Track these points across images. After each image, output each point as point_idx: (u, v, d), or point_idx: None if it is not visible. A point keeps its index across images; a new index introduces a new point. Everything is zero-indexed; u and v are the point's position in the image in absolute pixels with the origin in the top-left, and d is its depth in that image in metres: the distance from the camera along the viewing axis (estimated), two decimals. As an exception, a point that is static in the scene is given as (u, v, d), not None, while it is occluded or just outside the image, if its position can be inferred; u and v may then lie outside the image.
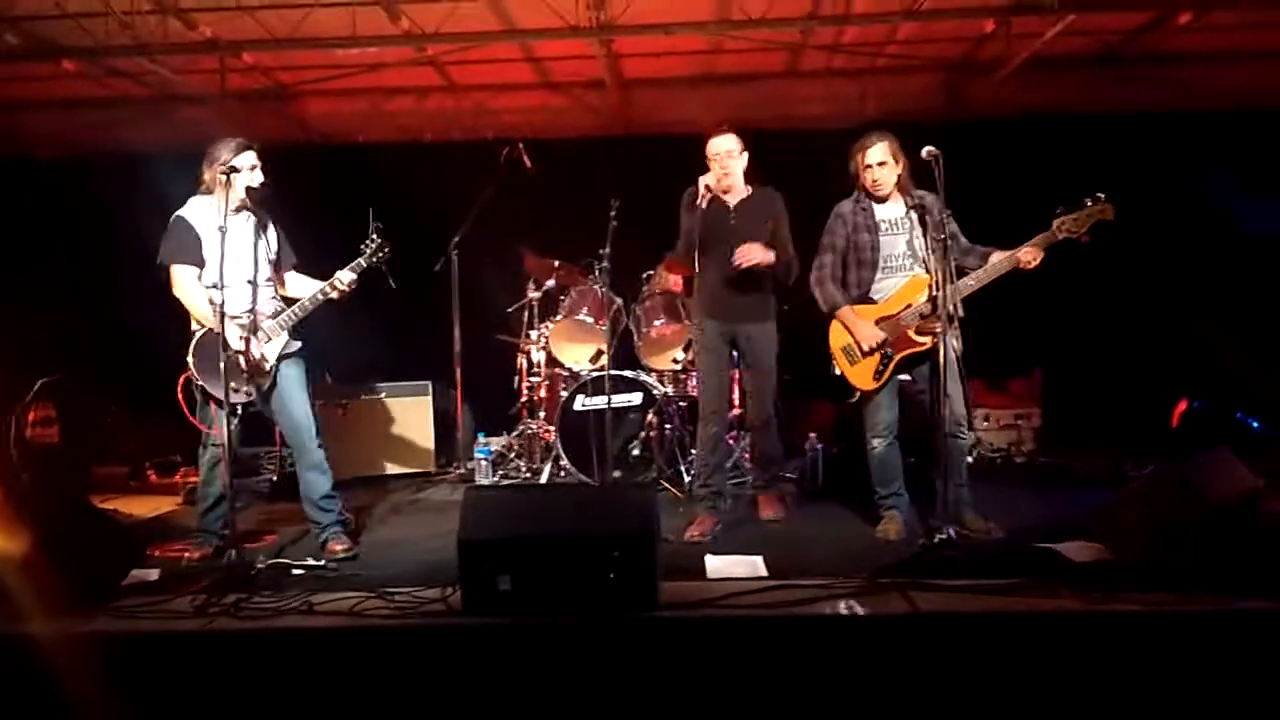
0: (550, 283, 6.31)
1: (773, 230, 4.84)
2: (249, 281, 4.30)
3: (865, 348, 4.51)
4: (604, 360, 5.60)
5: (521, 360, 6.50)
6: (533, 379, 6.40)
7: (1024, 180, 6.12)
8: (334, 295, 4.44)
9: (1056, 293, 6.05)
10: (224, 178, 4.20)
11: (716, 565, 4.11)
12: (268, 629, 3.45)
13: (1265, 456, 5.16)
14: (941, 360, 4.17)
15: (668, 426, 5.81)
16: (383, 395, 6.57)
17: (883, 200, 4.58)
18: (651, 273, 6.28)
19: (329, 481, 4.54)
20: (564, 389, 5.94)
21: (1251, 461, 3.95)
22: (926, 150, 4.14)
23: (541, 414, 6.25)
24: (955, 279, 4.32)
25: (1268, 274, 6.74)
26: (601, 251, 5.04)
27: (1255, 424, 6.17)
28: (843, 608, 3.48)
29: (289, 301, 4.50)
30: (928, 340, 4.39)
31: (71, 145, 7.45)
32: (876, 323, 4.51)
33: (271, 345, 4.40)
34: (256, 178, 4.39)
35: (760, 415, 5.02)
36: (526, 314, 6.44)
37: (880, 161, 4.50)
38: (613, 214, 4.86)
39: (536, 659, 3.29)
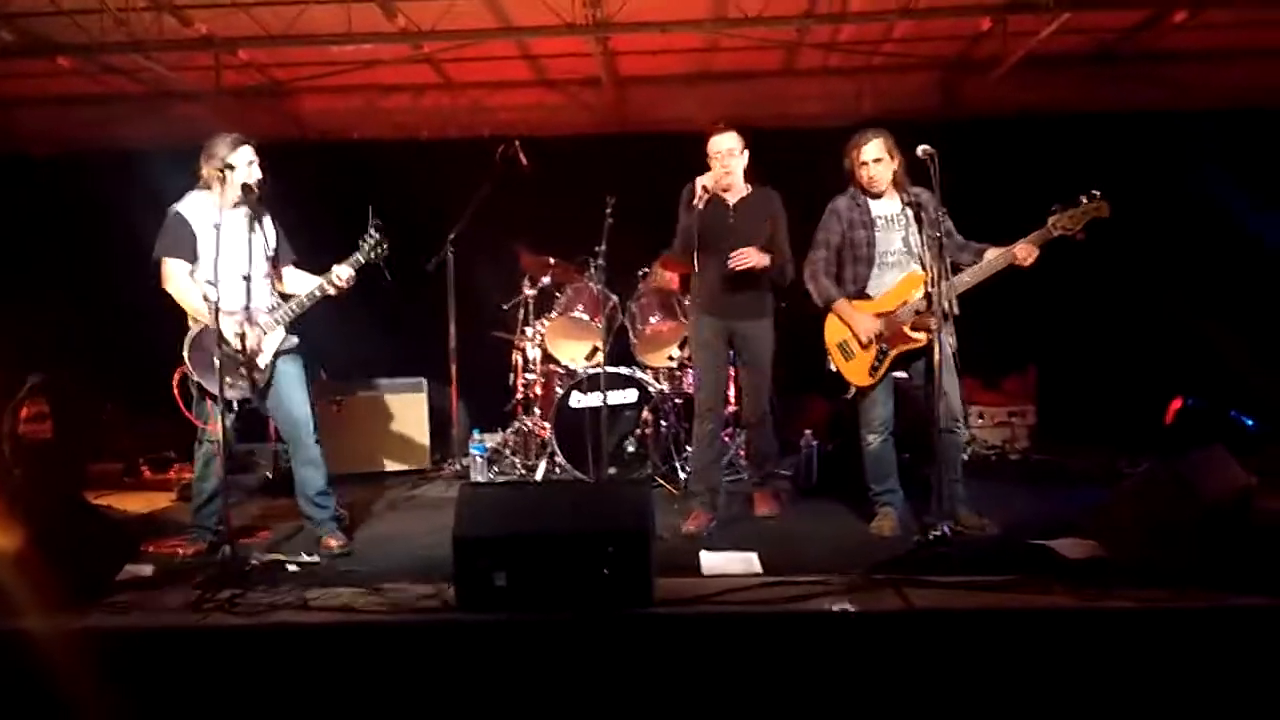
0: (546, 280, 6.31)
1: (770, 231, 4.85)
2: (244, 277, 4.29)
3: (863, 339, 4.52)
4: (599, 357, 5.60)
5: (517, 357, 6.50)
6: (528, 376, 6.39)
7: (1020, 178, 6.13)
8: (331, 291, 4.43)
9: (1051, 290, 6.06)
10: (220, 174, 4.20)
11: (711, 562, 4.11)
12: (262, 624, 3.45)
13: (1259, 454, 5.18)
14: (937, 356, 4.18)
15: (663, 423, 5.81)
16: (378, 391, 6.57)
17: (878, 196, 4.59)
18: (647, 270, 6.28)
19: (324, 478, 4.54)
20: (559, 386, 5.94)
21: (1245, 459, 3.97)
22: (922, 149, 4.15)
23: (537, 411, 6.25)
24: (950, 276, 4.33)
25: (1263, 273, 6.74)
26: (597, 249, 5.04)
27: (1249, 422, 6.19)
28: (836, 604, 3.49)
29: (286, 298, 4.49)
30: (923, 336, 4.39)
31: (66, 142, 7.45)
32: (872, 318, 4.52)
33: (268, 341, 4.40)
34: (254, 173, 4.38)
35: (756, 412, 5.03)
36: (522, 311, 6.44)
37: (876, 158, 4.51)
38: (608, 211, 4.86)
39: (531, 655, 3.29)
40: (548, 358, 6.22)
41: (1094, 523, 4.06)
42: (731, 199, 4.85)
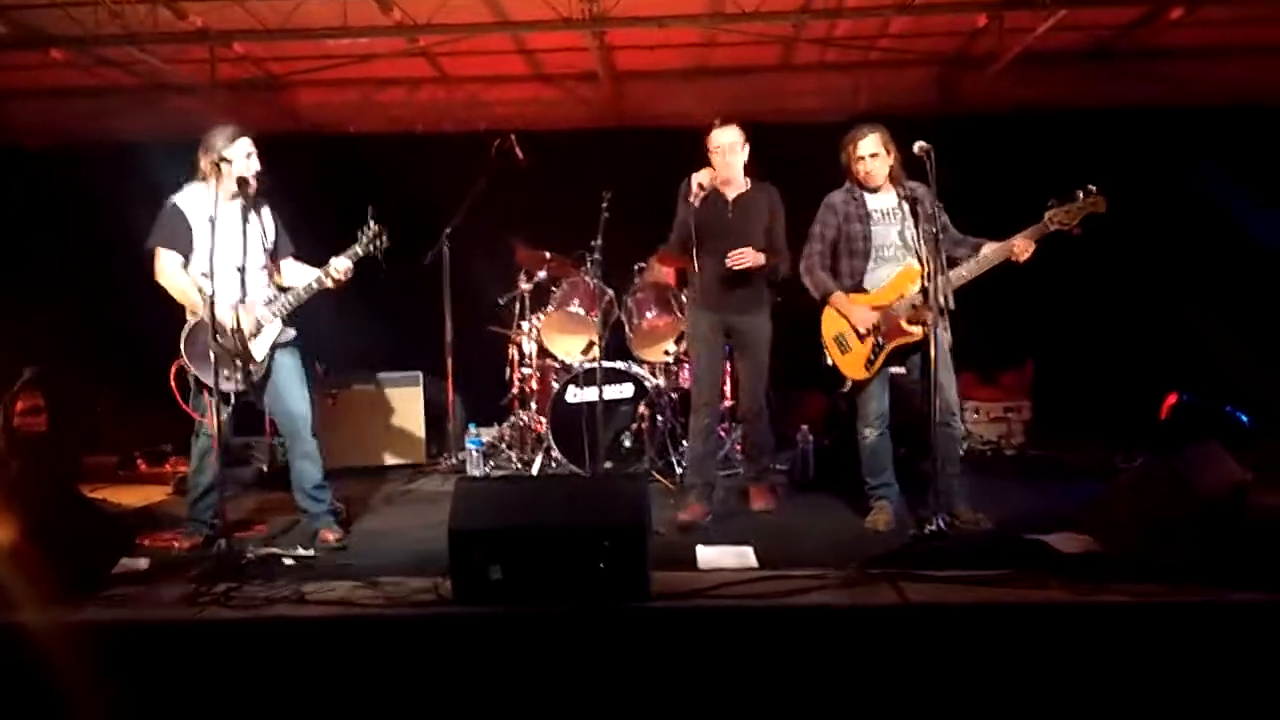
0: (542, 274, 6.30)
1: (769, 227, 4.85)
2: (238, 269, 4.28)
3: (861, 330, 4.52)
4: (595, 352, 5.60)
5: (513, 351, 6.49)
6: (524, 370, 6.39)
7: (1016, 174, 6.12)
8: (329, 283, 4.41)
9: (1047, 285, 6.06)
10: (215, 167, 4.18)
11: (707, 556, 4.11)
12: (258, 618, 3.44)
13: (1254, 449, 5.17)
14: (933, 351, 4.19)
15: (659, 418, 5.82)
16: (374, 385, 6.56)
17: (875, 191, 4.59)
18: (643, 265, 6.27)
19: (320, 471, 4.53)
20: (555, 380, 5.94)
21: (1240, 454, 3.96)
22: (918, 146, 4.16)
23: (533, 405, 6.25)
24: (947, 270, 4.33)
25: (1259, 269, 6.75)
26: (593, 243, 5.03)
27: (1244, 417, 6.19)
28: (836, 597, 3.49)
29: (285, 290, 4.47)
30: (919, 330, 4.40)
31: (60, 134, 7.41)
32: (869, 310, 4.53)
33: (265, 333, 4.38)
34: (253, 166, 4.37)
35: (752, 407, 5.03)
36: (518, 305, 6.43)
37: (872, 153, 4.51)
38: (605, 206, 4.86)
39: (527, 649, 3.29)
40: (544, 352, 6.22)
41: (1090, 518, 4.07)
42: (731, 194, 4.85)
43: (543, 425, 5.95)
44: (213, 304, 4.06)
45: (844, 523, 4.78)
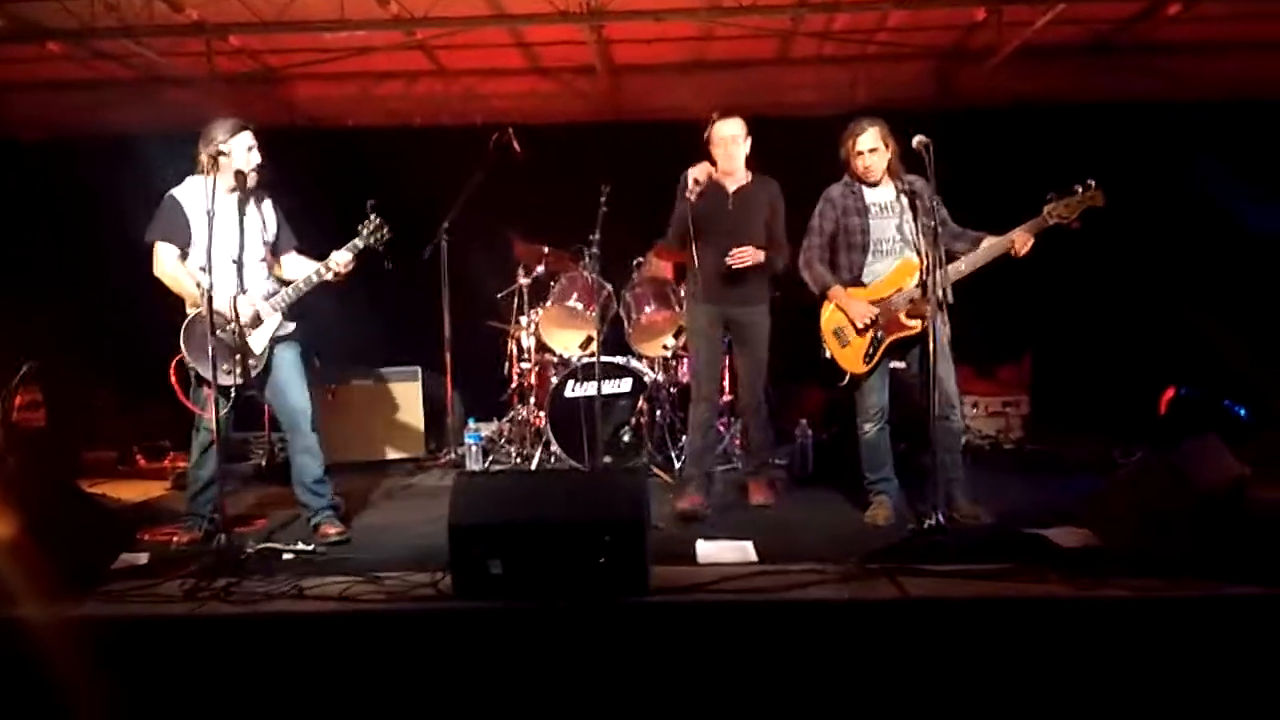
0: (540, 268, 6.30)
1: (769, 220, 4.85)
2: (234, 261, 4.27)
3: (859, 324, 4.52)
4: (594, 346, 5.59)
5: (511, 346, 6.49)
6: (523, 365, 6.39)
7: (1014, 168, 6.12)
8: (329, 276, 4.40)
9: (1046, 279, 6.07)
10: (213, 160, 4.16)
11: (707, 551, 4.12)
12: (257, 613, 3.44)
13: (1252, 443, 5.20)
14: (931, 344, 4.19)
15: (658, 413, 5.82)
16: (372, 380, 6.56)
17: (874, 185, 4.58)
18: (642, 259, 6.27)
19: (321, 466, 4.53)
20: (554, 375, 5.93)
21: (1239, 449, 3.97)
22: (917, 140, 4.15)
23: (532, 400, 6.25)
24: (945, 264, 4.33)
25: (1258, 263, 6.76)
26: (591, 237, 5.03)
27: (1242, 411, 6.21)
28: (836, 591, 3.50)
29: (287, 284, 4.46)
30: (918, 324, 4.40)
31: (57, 127, 7.40)
32: (867, 304, 4.53)
33: (264, 327, 4.37)
34: (254, 159, 4.35)
35: (751, 401, 5.03)
36: (516, 300, 6.42)
37: (872, 148, 4.50)
38: (602, 200, 4.85)
39: (527, 643, 3.29)
40: (542, 347, 6.22)
41: (1088, 512, 4.06)
42: (731, 186, 4.85)
43: (542, 420, 5.95)
44: (210, 297, 4.05)
45: (843, 517, 4.78)
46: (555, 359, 6.13)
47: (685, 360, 5.95)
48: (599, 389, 5.16)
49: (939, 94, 7.21)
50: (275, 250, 4.54)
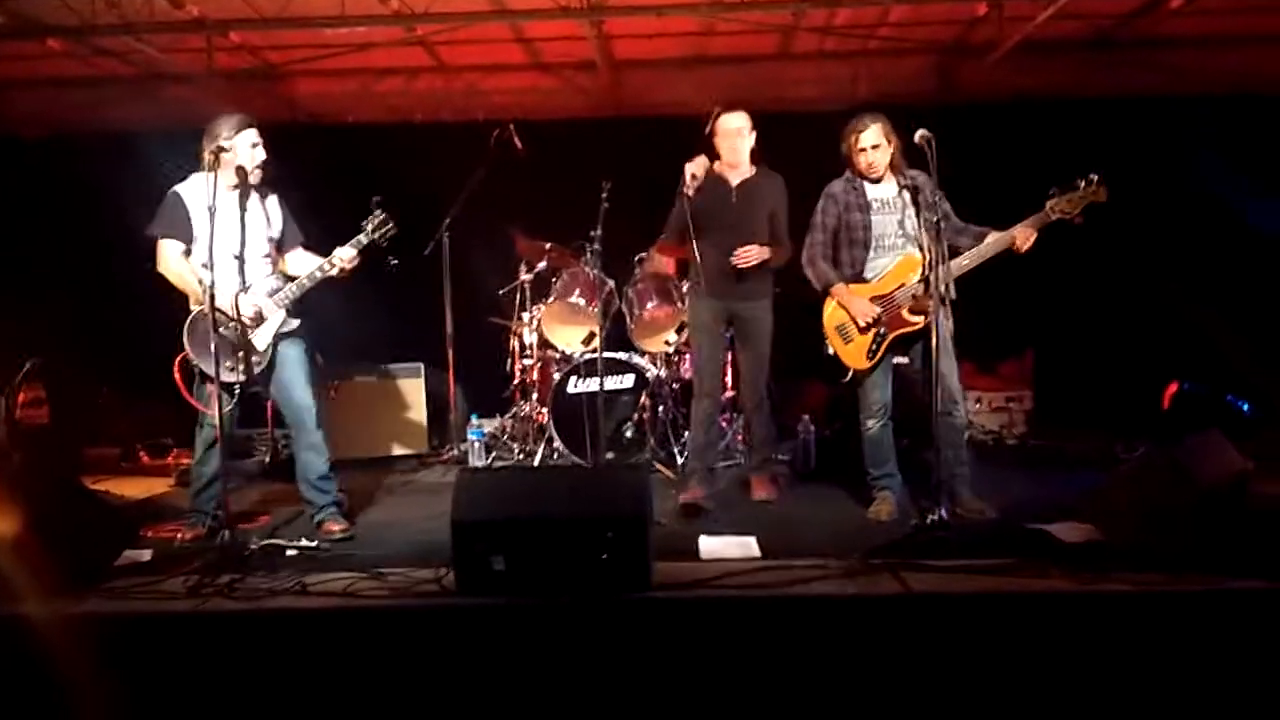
0: (542, 265, 6.30)
1: (772, 215, 4.85)
2: (235, 257, 4.27)
3: (861, 323, 4.52)
4: (596, 343, 5.59)
5: (514, 342, 6.49)
6: (525, 361, 6.39)
7: (1016, 163, 6.12)
8: (333, 272, 4.39)
9: (1048, 275, 6.06)
10: (214, 156, 4.16)
11: (710, 546, 4.12)
12: (261, 609, 3.44)
13: (1255, 438, 5.19)
14: (934, 340, 4.18)
15: (660, 409, 5.82)
16: (374, 376, 6.56)
17: (876, 181, 4.58)
18: (644, 255, 6.27)
19: (326, 463, 4.53)
20: (556, 371, 5.94)
21: (1241, 444, 3.97)
22: (919, 135, 4.15)
23: (534, 396, 6.25)
24: (948, 259, 4.33)
25: (1260, 258, 6.75)
26: (593, 233, 5.02)
27: (1245, 406, 6.21)
28: (839, 587, 3.50)
29: (291, 280, 4.46)
30: (920, 320, 4.39)
31: (58, 124, 7.40)
32: (869, 301, 4.52)
33: (267, 324, 4.37)
34: (258, 156, 4.35)
35: (754, 396, 5.04)
36: (518, 296, 6.43)
37: (874, 144, 4.50)
38: (604, 196, 4.85)
39: (530, 639, 3.30)
40: (544, 343, 6.22)
41: (1091, 507, 4.07)
42: (735, 179, 4.85)
43: (544, 416, 5.95)
44: (212, 294, 4.05)
45: (846, 513, 4.78)
46: (557, 355, 6.13)
47: (687, 356, 5.95)
48: (601, 385, 5.16)
49: (940, 89, 7.20)
50: (281, 246, 4.54)
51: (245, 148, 4.30)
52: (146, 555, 4.09)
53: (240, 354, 4.25)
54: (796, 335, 5.07)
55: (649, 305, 5.91)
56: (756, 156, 4.90)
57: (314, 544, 4.22)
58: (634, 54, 7.05)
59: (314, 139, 7.24)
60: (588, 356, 5.82)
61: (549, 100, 7.40)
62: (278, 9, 5.96)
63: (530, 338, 6.32)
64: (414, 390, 6.60)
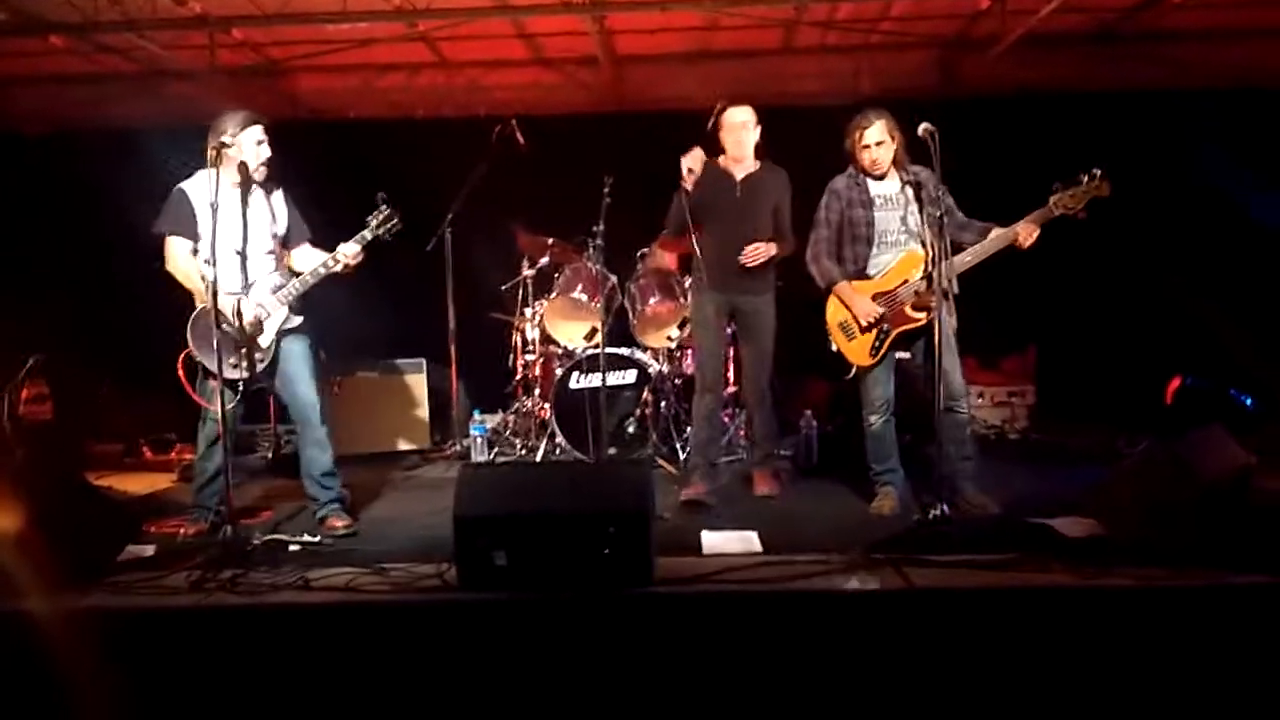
0: (544, 260, 6.30)
1: (776, 209, 4.85)
2: (238, 253, 4.27)
3: (862, 323, 4.52)
4: (599, 338, 5.59)
5: (516, 338, 6.50)
6: (527, 357, 6.39)
7: (1019, 157, 6.11)
8: (337, 268, 4.40)
9: (1051, 270, 6.04)
10: (216, 152, 4.16)
11: (712, 541, 4.12)
12: (263, 604, 3.45)
13: (1258, 433, 5.18)
14: (937, 335, 4.18)
15: (662, 404, 5.82)
16: (377, 372, 6.57)
17: (880, 178, 4.57)
18: (646, 250, 6.26)
19: (330, 459, 4.54)
20: (559, 367, 5.94)
21: (1244, 439, 3.96)
22: (923, 127, 4.14)
23: (536, 392, 6.25)
24: (951, 255, 4.32)
25: (1264, 253, 6.74)
26: (595, 229, 5.02)
27: (1248, 401, 6.20)
28: (838, 582, 3.50)
29: (297, 275, 4.46)
30: (924, 316, 4.39)
31: (60, 121, 7.40)
32: (872, 298, 4.52)
33: (270, 321, 4.37)
34: (264, 153, 4.35)
35: (756, 390, 5.03)
36: (521, 291, 6.43)
37: (878, 141, 4.49)
38: (606, 191, 4.85)
39: (532, 634, 3.30)
40: (547, 338, 6.22)
41: (1093, 502, 4.07)
42: (739, 173, 4.85)
43: (546, 412, 5.96)
44: (215, 290, 4.06)
45: (848, 508, 4.79)
46: (560, 351, 6.14)
47: (690, 351, 5.95)
48: (604, 380, 5.17)
49: (943, 83, 7.18)
50: (286, 242, 4.54)
51: (250, 145, 4.30)
52: (149, 550, 4.10)
53: (243, 351, 4.25)
54: (799, 331, 5.07)
55: (651, 300, 5.91)
56: (761, 151, 4.90)
57: (316, 539, 4.23)
58: (636, 49, 7.04)
59: (316, 135, 7.22)
60: (590, 352, 5.82)
61: (551, 95, 7.38)
62: (280, 5, 5.96)
63: (532, 333, 6.32)
64: (416, 386, 6.61)
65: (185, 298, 4.35)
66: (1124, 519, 3.81)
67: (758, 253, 4.72)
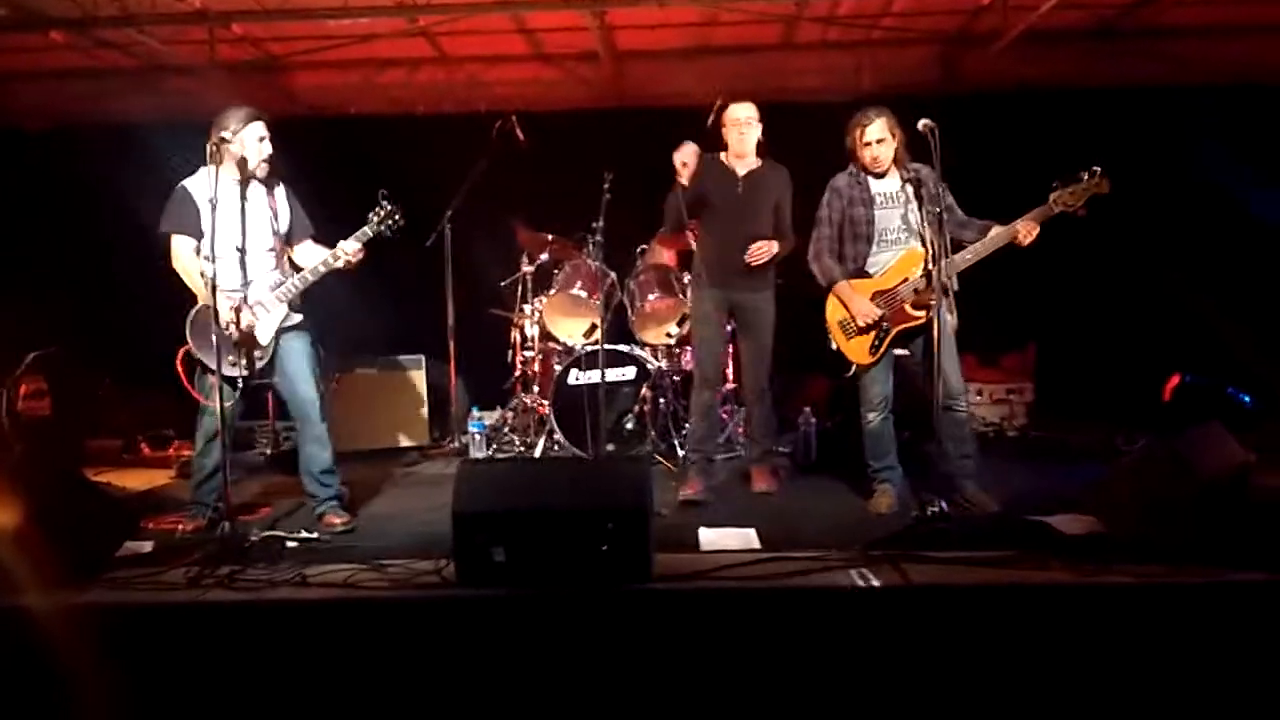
0: (544, 256, 6.29)
1: (777, 206, 4.85)
2: (238, 249, 4.27)
3: (861, 323, 4.51)
4: (598, 334, 5.59)
5: (515, 334, 6.49)
6: (526, 353, 6.39)
7: (1019, 153, 6.11)
8: (338, 265, 4.39)
9: (1050, 267, 6.04)
10: (215, 148, 4.15)
11: (710, 538, 4.12)
12: (261, 600, 3.45)
13: (1257, 431, 5.17)
14: (936, 334, 4.17)
15: (661, 401, 5.82)
16: (376, 369, 6.57)
17: (880, 176, 4.56)
18: (645, 247, 6.26)
19: (330, 456, 4.54)
20: (558, 363, 5.93)
21: (1243, 436, 3.96)
22: (923, 123, 4.13)
23: (535, 388, 6.25)
24: (951, 252, 4.32)
25: (1263, 250, 6.73)
26: (595, 225, 5.02)
27: (1247, 398, 6.20)
28: (839, 579, 3.50)
29: (296, 271, 4.45)
30: (923, 314, 4.38)
31: (60, 117, 7.39)
32: (872, 297, 4.52)
33: (269, 318, 4.37)
34: (265, 149, 4.34)
35: (755, 386, 5.03)
36: (520, 288, 6.42)
37: (879, 139, 4.48)
38: (606, 187, 4.84)
39: (530, 630, 3.30)
40: (546, 335, 6.21)
41: (1092, 499, 4.07)
42: (741, 170, 4.85)
43: (545, 408, 5.95)
44: (214, 287, 4.05)
45: (846, 505, 4.79)
46: (559, 347, 6.13)
47: (689, 348, 5.95)
48: (602, 377, 5.17)
49: (944, 79, 7.16)
50: (289, 239, 4.53)
51: (251, 141, 4.30)
52: (148, 546, 4.10)
53: (242, 348, 4.25)
54: (799, 328, 5.06)
55: (650, 297, 5.91)
56: (763, 148, 4.89)
57: (314, 535, 4.23)
58: (636, 45, 7.03)
59: (316, 131, 7.20)
60: (589, 348, 5.81)
61: (551, 91, 7.37)
62: (280, 0, 5.95)
63: (531, 329, 6.31)
64: (415, 382, 6.61)
65: (186, 294, 4.34)
66: (1123, 516, 3.81)
67: (762, 251, 4.72)
